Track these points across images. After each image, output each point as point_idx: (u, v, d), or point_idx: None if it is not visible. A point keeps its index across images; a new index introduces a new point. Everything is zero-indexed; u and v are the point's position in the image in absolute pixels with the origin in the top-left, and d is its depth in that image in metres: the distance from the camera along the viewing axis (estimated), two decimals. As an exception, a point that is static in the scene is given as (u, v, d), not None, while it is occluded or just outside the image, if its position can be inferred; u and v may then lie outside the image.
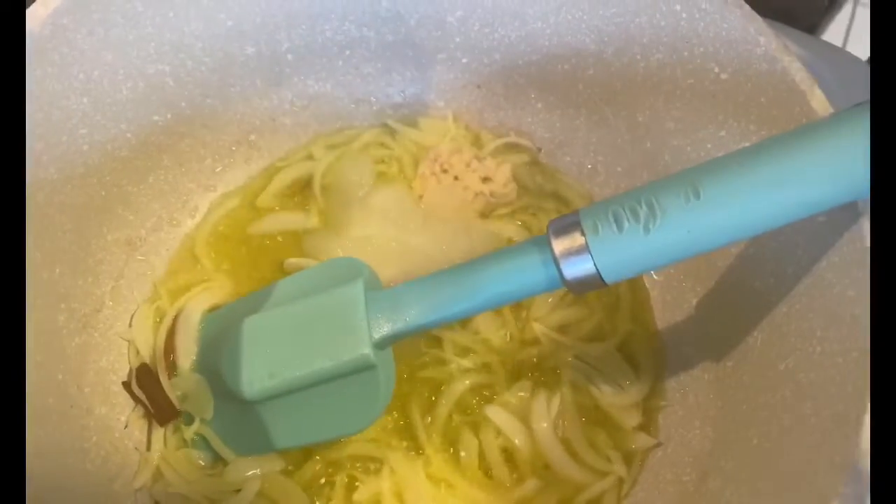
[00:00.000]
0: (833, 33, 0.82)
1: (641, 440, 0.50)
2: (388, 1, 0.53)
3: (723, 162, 0.36)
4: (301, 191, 0.58)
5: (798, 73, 0.40)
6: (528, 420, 0.49)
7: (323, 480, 0.48)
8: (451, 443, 0.49)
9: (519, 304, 0.53)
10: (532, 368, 0.51)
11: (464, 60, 0.56)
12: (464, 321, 0.52)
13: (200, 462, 0.49)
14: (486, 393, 0.50)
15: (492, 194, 0.55)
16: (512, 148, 0.58)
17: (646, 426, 0.51)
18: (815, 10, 0.79)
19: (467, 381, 0.50)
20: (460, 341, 0.51)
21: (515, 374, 0.51)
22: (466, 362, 0.51)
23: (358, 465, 0.48)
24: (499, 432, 0.49)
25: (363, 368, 0.43)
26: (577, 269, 0.37)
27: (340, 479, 0.47)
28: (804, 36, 0.68)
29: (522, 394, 0.50)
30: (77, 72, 0.44)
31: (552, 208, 0.57)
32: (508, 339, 0.52)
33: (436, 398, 0.50)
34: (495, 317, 0.53)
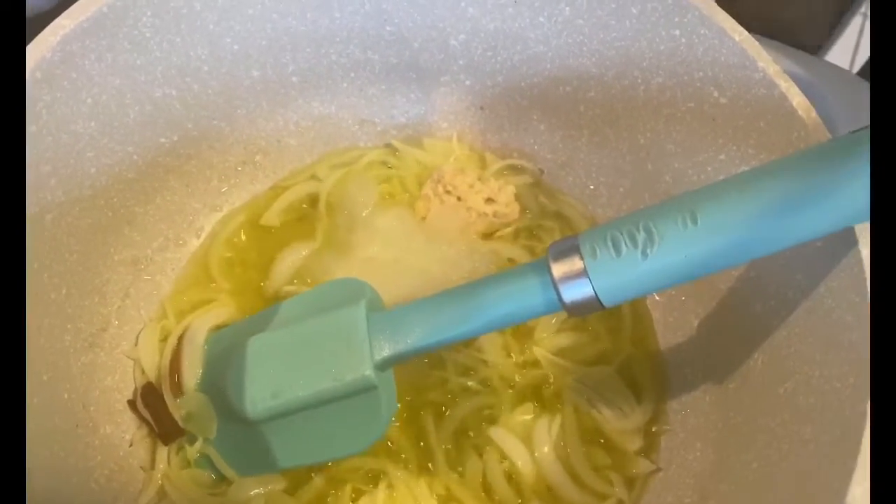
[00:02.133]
0: (840, 52, 0.82)
1: (643, 465, 0.50)
2: (393, 24, 0.53)
3: (720, 187, 0.36)
4: (305, 210, 0.58)
5: (795, 98, 0.41)
6: (530, 443, 0.49)
7: (326, 498, 0.48)
8: (455, 463, 0.49)
9: (522, 329, 0.53)
10: (535, 391, 0.52)
11: (467, 83, 0.57)
12: (467, 345, 0.52)
13: (204, 481, 0.49)
14: (489, 414, 0.51)
15: (494, 215, 0.56)
16: (515, 169, 0.59)
17: (647, 450, 0.51)
18: (819, 29, 0.79)
19: (471, 403, 0.50)
20: (465, 363, 0.52)
21: (519, 397, 0.51)
22: (471, 384, 0.51)
23: (362, 478, 0.48)
24: (503, 456, 0.49)
25: (365, 389, 0.44)
26: (575, 292, 0.37)
27: (345, 493, 0.48)
28: (807, 57, 0.68)
29: (525, 416, 0.50)
30: (85, 96, 0.45)
31: (555, 228, 0.57)
32: (512, 362, 0.52)
33: (440, 419, 0.50)
34: (499, 340, 0.53)
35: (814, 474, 0.36)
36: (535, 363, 0.52)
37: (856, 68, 0.83)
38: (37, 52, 0.41)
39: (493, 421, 0.50)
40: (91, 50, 0.43)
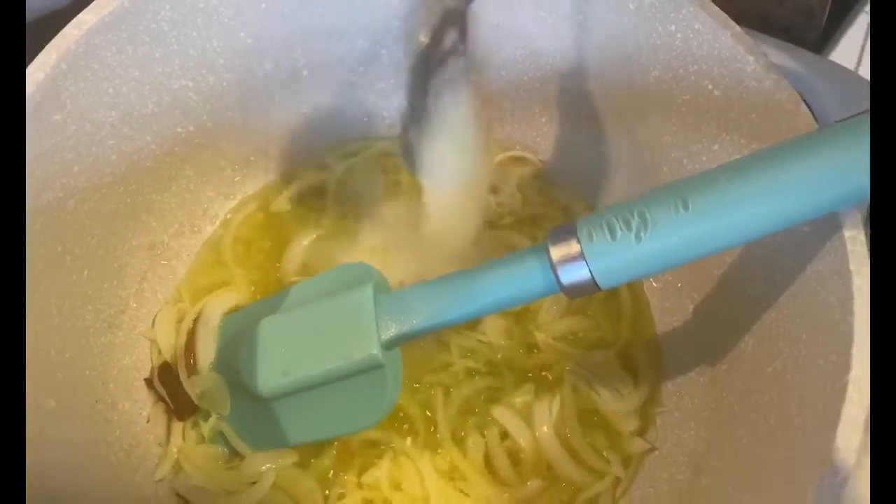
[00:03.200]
0: (844, 51, 0.83)
1: (638, 444, 0.52)
2: (400, 20, 0.55)
3: (711, 174, 0.37)
4: (315, 198, 0.60)
5: (784, 92, 0.42)
6: (531, 422, 0.51)
7: (335, 471, 0.50)
8: (458, 441, 0.51)
9: (525, 315, 0.55)
10: (535, 373, 0.53)
11: (471, 76, 0.59)
12: (472, 329, 0.54)
13: (218, 456, 0.51)
14: (492, 395, 0.52)
15: (498, 205, 0.57)
16: (517, 161, 0.61)
17: (643, 430, 0.53)
18: (817, 28, 0.80)
19: (475, 384, 0.52)
20: (468, 346, 0.54)
21: (520, 379, 0.53)
22: (474, 365, 0.53)
23: (371, 451, 0.51)
24: (505, 434, 0.51)
25: (372, 368, 0.46)
26: (573, 274, 0.39)
27: (353, 467, 0.50)
28: (806, 54, 0.70)
29: (526, 397, 0.52)
30: (107, 87, 0.46)
31: (556, 217, 0.59)
32: (514, 346, 0.54)
33: (445, 399, 0.52)
34: (502, 325, 0.55)
35: (798, 446, 0.38)
36: (537, 347, 0.54)
37: (862, 67, 0.83)
38: (62, 44, 0.43)
39: (495, 401, 0.52)
40: (112, 42, 0.45)
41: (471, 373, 0.53)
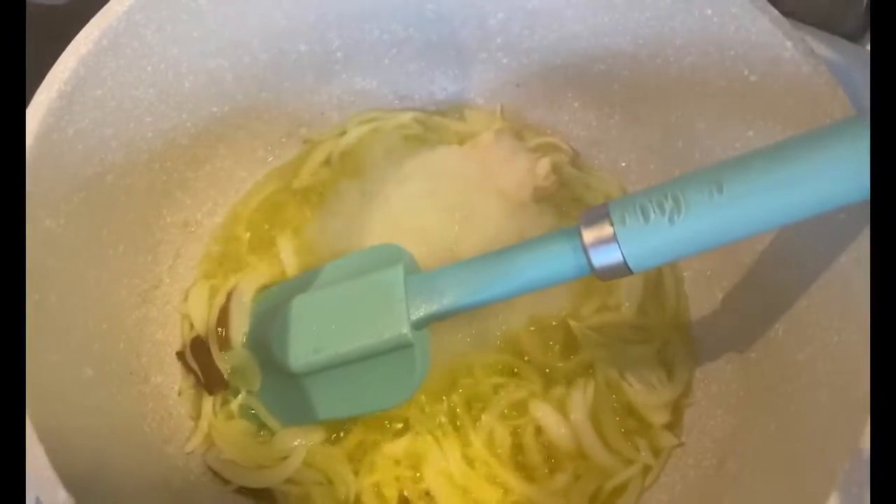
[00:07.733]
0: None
1: (668, 439, 0.51)
2: (434, 3, 0.55)
3: (745, 159, 0.37)
4: (335, 168, 0.60)
5: (822, 77, 0.42)
6: (566, 411, 0.51)
7: (363, 448, 0.51)
8: (489, 439, 0.51)
9: (559, 308, 0.54)
10: (569, 371, 0.53)
11: (504, 60, 0.59)
12: (505, 337, 0.53)
13: (249, 431, 0.52)
14: (521, 401, 0.52)
15: (534, 188, 0.57)
16: (550, 146, 0.61)
17: (674, 424, 0.52)
18: (856, 17, 0.79)
19: (506, 398, 0.52)
20: (500, 360, 0.53)
21: (553, 381, 0.53)
22: (505, 380, 0.52)
23: (400, 429, 0.51)
24: (539, 430, 0.51)
25: (401, 347, 0.46)
26: (605, 257, 0.39)
27: (381, 443, 0.50)
28: (843, 42, 0.69)
29: (559, 392, 0.52)
30: (146, 64, 0.47)
31: (589, 200, 0.59)
32: (548, 350, 0.53)
33: (478, 410, 0.52)
34: (539, 338, 0.54)
35: (828, 434, 0.38)
36: (574, 345, 0.53)
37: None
38: (104, 21, 0.44)
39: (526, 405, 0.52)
40: (153, 20, 0.46)
41: (501, 387, 0.52)
